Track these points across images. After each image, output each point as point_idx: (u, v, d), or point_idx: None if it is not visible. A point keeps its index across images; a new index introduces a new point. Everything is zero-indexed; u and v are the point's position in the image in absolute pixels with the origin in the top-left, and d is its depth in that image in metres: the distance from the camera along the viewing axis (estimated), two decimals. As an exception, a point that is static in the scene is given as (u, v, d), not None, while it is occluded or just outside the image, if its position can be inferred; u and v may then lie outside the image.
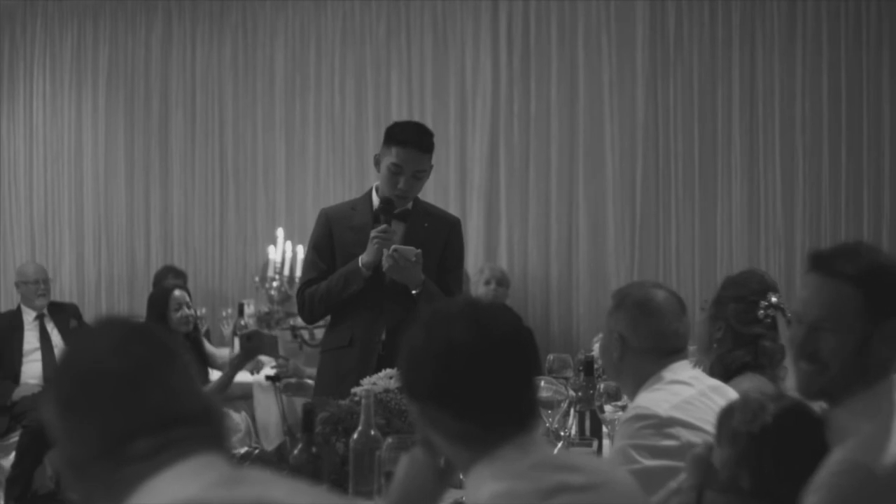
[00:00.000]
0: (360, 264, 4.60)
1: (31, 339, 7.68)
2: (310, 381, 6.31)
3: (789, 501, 2.35)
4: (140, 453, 1.66)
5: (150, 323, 1.88)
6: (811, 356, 2.42)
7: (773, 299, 3.98)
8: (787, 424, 2.43)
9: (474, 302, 2.30)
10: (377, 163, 4.72)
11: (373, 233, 4.57)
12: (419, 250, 4.53)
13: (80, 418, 1.71)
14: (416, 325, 2.25)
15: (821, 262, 2.44)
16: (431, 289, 4.61)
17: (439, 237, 4.76)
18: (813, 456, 2.35)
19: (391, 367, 3.90)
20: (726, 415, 2.53)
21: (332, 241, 4.74)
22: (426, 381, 2.17)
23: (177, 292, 6.78)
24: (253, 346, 6.32)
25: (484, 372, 2.13)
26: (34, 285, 7.80)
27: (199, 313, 7.31)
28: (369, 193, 4.80)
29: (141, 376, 1.71)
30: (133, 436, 1.67)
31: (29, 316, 7.77)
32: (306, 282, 4.78)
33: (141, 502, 1.64)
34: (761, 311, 3.96)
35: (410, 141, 4.64)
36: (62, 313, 7.85)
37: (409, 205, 4.75)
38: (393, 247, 4.51)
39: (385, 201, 4.65)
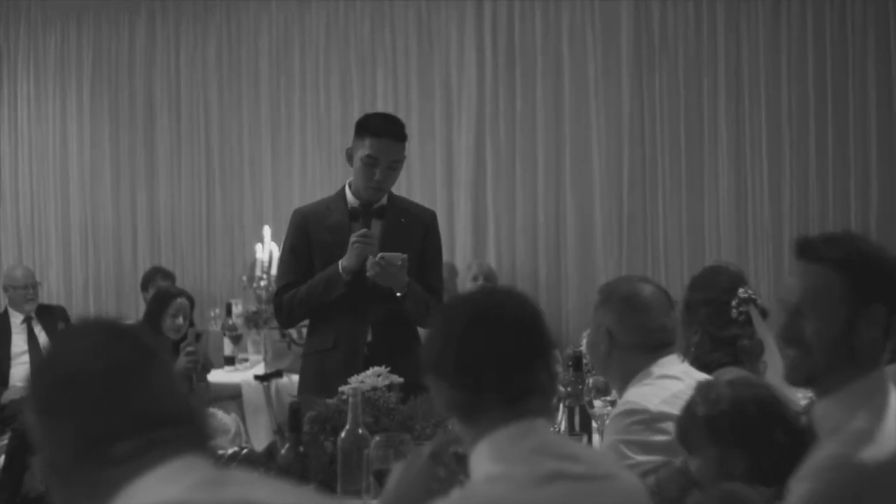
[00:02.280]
0: (340, 269, 4.52)
1: (18, 343, 7.66)
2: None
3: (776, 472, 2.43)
4: (122, 456, 1.64)
5: (130, 324, 1.86)
6: (795, 341, 2.43)
7: (743, 293, 3.94)
8: (745, 392, 2.57)
9: (489, 287, 2.36)
10: (349, 157, 4.64)
11: (353, 237, 4.49)
12: (405, 255, 4.46)
13: (60, 421, 1.68)
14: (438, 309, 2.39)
15: (806, 248, 2.46)
16: (416, 289, 4.56)
17: (417, 232, 4.70)
18: (773, 418, 2.50)
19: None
20: (688, 421, 2.59)
21: (308, 241, 4.66)
22: (430, 354, 2.28)
23: (180, 300, 6.72)
24: (202, 346, 6.35)
25: (475, 344, 2.21)
26: (23, 290, 7.78)
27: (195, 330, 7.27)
28: (343, 191, 4.72)
29: (120, 377, 1.69)
30: (114, 438, 1.65)
31: (16, 319, 7.75)
32: (283, 286, 4.68)
33: None
34: (734, 311, 3.92)
35: (384, 131, 4.57)
36: (50, 316, 7.83)
37: (385, 200, 4.67)
38: (380, 254, 4.44)
39: (363, 204, 4.59)
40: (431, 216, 4.84)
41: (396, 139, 4.59)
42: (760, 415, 2.53)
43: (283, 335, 7.51)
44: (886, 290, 2.38)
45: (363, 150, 4.55)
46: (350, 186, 4.68)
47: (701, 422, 2.57)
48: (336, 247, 4.55)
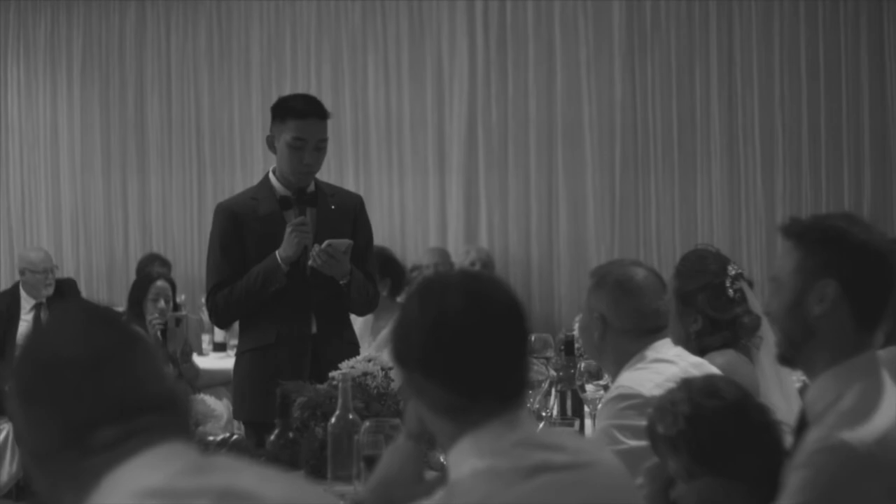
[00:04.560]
0: (278, 260, 4.36)
1: (25, 330, 7.56)
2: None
3: (756, 472, 2.43)
4: (104, 442, 1.62)
5: (114, 309, 1.84)
6: (768, 315, 2.47)
7: (732, 271, 3.93)
8: (703, 404, 2.50)
9: (470, 273, 2.28)
10: (270, 144, 4.49)
11: (289, 226, 4.34)
12: (350, 241, 4.34)
13: (42, 409, 1.66)
14: (411, 293, 2.22)
15: (786, 226, 2.49)
16: (358, 276, 4.44)
17: (348, 216, 4.56)
18: (741, 418, 2.47)
19: (326, 363, 3.84)
20: (652, 434, 2.58)
21: (240, 236, 4.47)
22: (414, 349, 2.13)
23: (159, 283, 6.71)
24: (182, 330, 6.35)
25: (471, 343, 2.09)
26: (42, 275, 7.63)
27: (180, 299, 7.26)
28: (267, 180, 4.55)
29: (101, 363, 1.66)
30: (96, 424, 1.63)
31: (27, 304, 7.63)
32: (216, 284, 4.48)
33: (106, 493, 1.60)
34: (731, 290, 3.89)
35: (308, 111, 4.43)
36: (60, 300, 7.70)
37: (312, 187, 4.52)
38: (326, 242, 4.30)
39: (296, 192, 4.46)
40: (359, 200, 4.70)
41: (320, 118, 4.45)
42: (718, 432, 2.50)
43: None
44: (838, 265, 2.36)
45: (288, 134, 4.40)
46: (275, 174, 4.53)
47: (661, 440, 2.56)
48: (269, 238, 4.39)
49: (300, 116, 4.41)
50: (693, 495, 2.50)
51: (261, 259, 4.41)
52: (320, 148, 4.45)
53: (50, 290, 7.64)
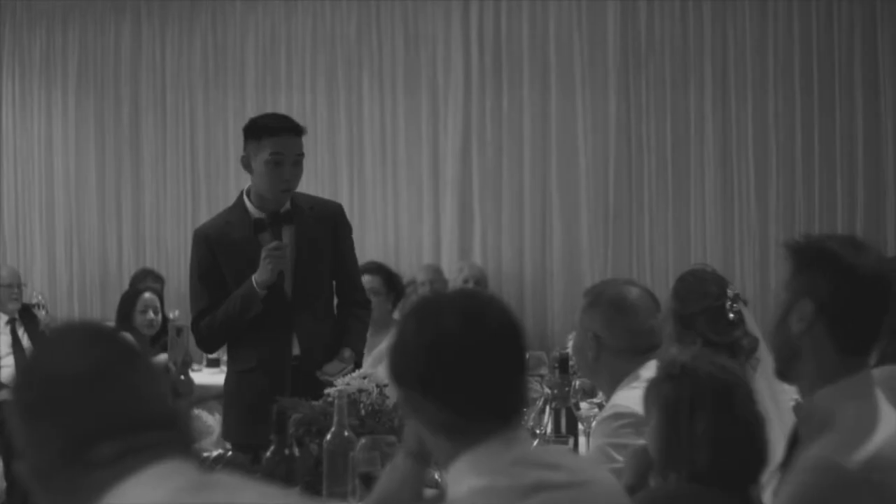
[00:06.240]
0: (254, 285, 4.33)
1: (2, 344, 7.60)
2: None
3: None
4: (105, 459, 1.63)
5: (112, 326, 1.86)
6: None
7: (731, 293, 3.92)
8: (699, 367, 2.54)
9: (467, 293, 2.28)
10: (247, 165, 4.44)
11: (264, 251, 4.31)
12: (334, 372, 4.30)
13: (43, 424, 1.67)
14: (408, 313, 2.24)
15: (786, 241, 2.53)
16: (356, 346, 4.52)
17: (328, 229, 4.54)
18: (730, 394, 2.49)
19: (308, 387, 3.87)
20: (648, 386, 2.62)
21: (216, 263, 4.46)
22: (411, 369, 2.14)
23: (147, 295, 6.72)
24: (182, 340, 6.37)
25: (470, 364, 2.10)
26: (8, 289, 7.72)
27: (173, 315, 7.26)
28: (241, 202, 4.52)
29: (102, 379, 1.67)
30: (96, 441, 1.63)
31: (0, 320, 7.69)
32: (199, 312, 4.50)
33: None
34: (731, 313, 3.88)
35: (283, 127, 4.43)
36: (32, 317, 7.77)
37: (288, 204, 4.49)
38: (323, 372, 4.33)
39: (270, 214, 4.43)
40: (338, 209, 4.69)
41: (297, 133, 4.46)
42: (701, 389, 2.50)
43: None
44: (818, 287, 2.39)
45: (265, 152, 4.37)
46: (248, 196, 4.50)
47: (650, 386, 2.58)
48: (243, 263, 4.38)
49: (274, 133, 4.40)
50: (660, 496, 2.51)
51: (238, 283, 4.39)
52: (297, 163, 4.45)
53: (17, 305, 7.73)
